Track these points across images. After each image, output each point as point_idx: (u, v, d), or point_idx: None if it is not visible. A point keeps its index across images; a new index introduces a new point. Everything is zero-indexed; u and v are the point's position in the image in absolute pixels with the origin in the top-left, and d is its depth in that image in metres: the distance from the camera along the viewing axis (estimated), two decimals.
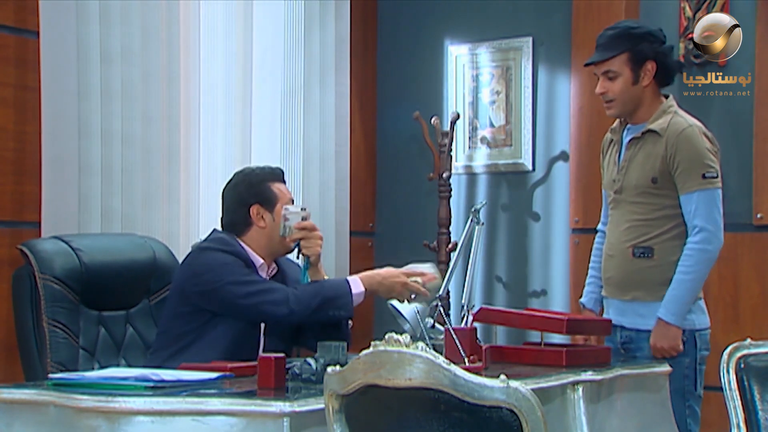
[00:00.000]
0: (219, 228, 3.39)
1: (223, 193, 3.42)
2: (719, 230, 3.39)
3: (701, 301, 3.48)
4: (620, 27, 3.48)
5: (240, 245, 3.29)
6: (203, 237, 3.42)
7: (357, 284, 3.25)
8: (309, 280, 3.30)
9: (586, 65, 3.59)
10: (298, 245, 3.30)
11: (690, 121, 3.44)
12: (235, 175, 3.44)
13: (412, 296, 3.29)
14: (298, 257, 3.36)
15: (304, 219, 3.30)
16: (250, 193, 3.34)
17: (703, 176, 3.36)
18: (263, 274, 3.31)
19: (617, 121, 3.59)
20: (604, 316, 3.61)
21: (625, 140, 3.52)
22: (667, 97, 3.51)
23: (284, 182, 3.43)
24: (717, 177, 3.38)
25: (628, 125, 3.53)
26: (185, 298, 3.21)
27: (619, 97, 3.45)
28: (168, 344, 3.19)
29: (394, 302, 3.27)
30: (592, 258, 3.72)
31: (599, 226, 3.73)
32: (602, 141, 3.68)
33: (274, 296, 3.16)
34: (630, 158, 3.48)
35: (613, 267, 3.53)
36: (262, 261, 3.31)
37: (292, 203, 3.38)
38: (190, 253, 3.30)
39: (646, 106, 3.47)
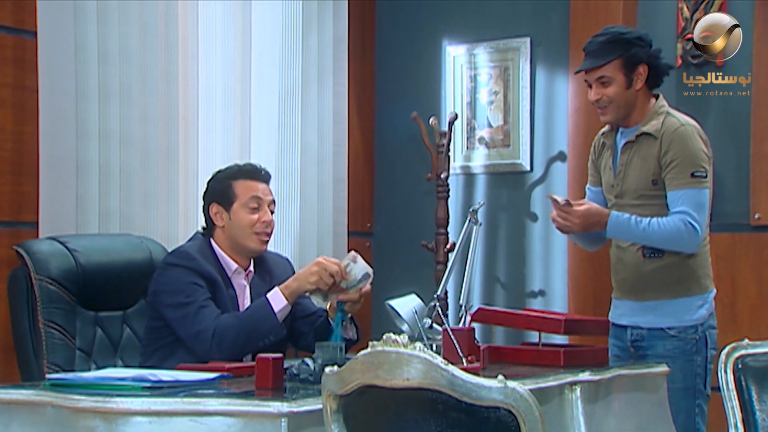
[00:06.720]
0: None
1: None
2: (703, 232, 3.34)
3: (713, 302, 3.45)
4: (611, 32, 3.44)
5: (214, 251, 3.24)
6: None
7: (278, 298, 3.10)
8: (341, 334, 3.12)
9: (578, 72, 3.56)
10: (341, 303, 3.15)
11: (683, 120, 3.42)
12: None
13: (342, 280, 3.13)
14: (339, 310, 3.15)
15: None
16: (211, 191, 3.31)
17: (692, 175, 3.32)
18: (241, 280, 3.25)
19: (608, 125, 3.56)
20: (612, 317, 3.58)
21: (619, 144, 3.50)
22: (657, 97, 3.49)
23: (260, 180, 3.30)
24: (706, 177, 3.35)
25: (621, 129, 3.51)
26: (155, 312, 3.19)
27: (614, 102, 3.42)
28: (148, 356, 3.17)
29: (393, 302, 3.26)
30: None
31: None
32: (593, 141, 3.65)
33: (199, 327, 3.04)
34: (626, 162, 3.46)
35: (624, 269, 3.50)
36: (236, 266, 3.24)
37: (273, 205, 3.28)
38: (158, 266, 3.26)
39: (639, 108, 3.45)
